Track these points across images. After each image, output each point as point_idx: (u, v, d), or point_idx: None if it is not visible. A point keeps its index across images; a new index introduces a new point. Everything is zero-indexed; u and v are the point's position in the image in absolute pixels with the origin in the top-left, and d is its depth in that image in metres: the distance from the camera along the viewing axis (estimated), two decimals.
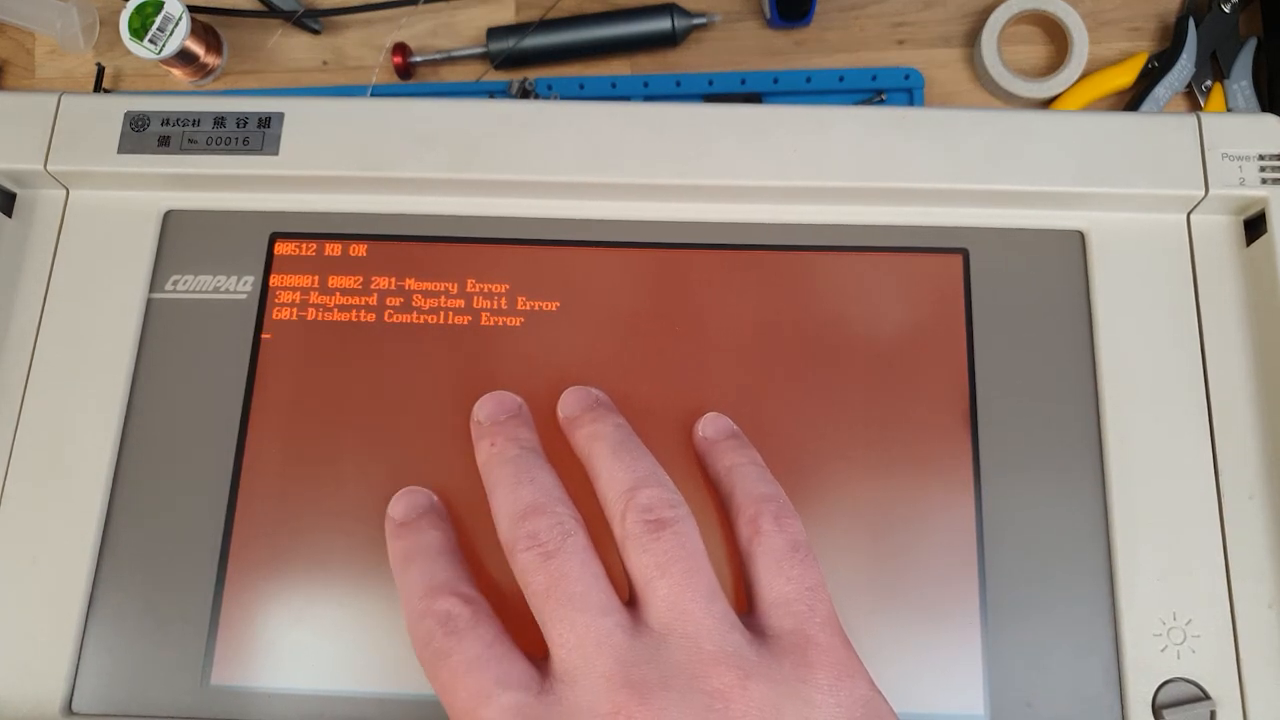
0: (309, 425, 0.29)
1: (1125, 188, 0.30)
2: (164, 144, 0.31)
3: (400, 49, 0.47)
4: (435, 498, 0.28)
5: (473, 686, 0.22)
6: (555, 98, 0.46)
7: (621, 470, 0.25)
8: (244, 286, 0.31)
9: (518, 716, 0.22)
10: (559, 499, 0.24)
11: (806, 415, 0.29)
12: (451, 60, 0.48)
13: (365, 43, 0.49)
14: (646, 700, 0.21)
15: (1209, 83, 0.45)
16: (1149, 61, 0.46)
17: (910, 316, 0.30)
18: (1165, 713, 0.26)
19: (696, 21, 0.47)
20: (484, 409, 0.27)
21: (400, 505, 0.27)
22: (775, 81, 0.46)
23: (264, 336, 0.30)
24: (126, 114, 0.31)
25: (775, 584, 0.24)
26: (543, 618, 0.23)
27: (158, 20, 0.45)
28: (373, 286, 0.31)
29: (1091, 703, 0.27)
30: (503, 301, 0.30)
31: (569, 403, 0.28)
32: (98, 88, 0.48)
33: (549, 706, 0.22)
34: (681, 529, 0.24)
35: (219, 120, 0.31)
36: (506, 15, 0.49)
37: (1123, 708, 0.27)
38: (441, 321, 0.30)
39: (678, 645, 0.22)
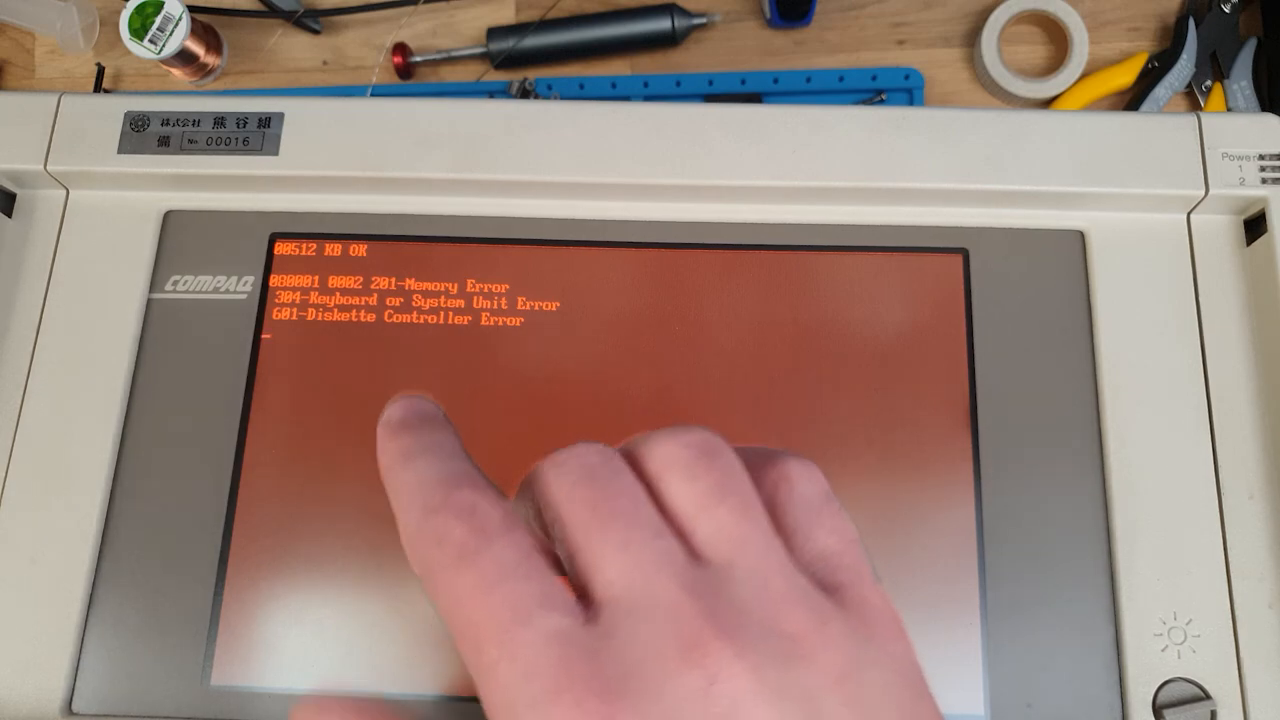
0: (309, 425, 0.29)
1: (1125, 188, 0.30)
2: (164, 144, 0.31)
3: (400, 49, 0.47)
4: (443, 410, 0.22)
5: (507, 599, 0.18)
6: (555, 98, 0.46)
7: (664, 437, 0.21)
8: (244, 287, 0.31)
9: (563, 646, 0.17)
10: (604, 449, 0.20)
11: (807, 415, 0.29)
12: (451, 60, 0.48)
13: (365, 43, 0.49)
14: (727, 634, 0.17)
15: (1209, 83, 0.45)
16: (1149, 61, 0.46)
17: (910, 316, 0.30)
18: (1166, 712, 0.26)
19: (696, 21, 0.47)
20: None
21: (398, 408, 0.21)
22: (775, 81, 0.46)
23: (264, 336, 0.30)
24: (126, 114, 0.31)
25: (816, 535, 0.20)
26: (586, 540, 0.19)
27: (158, 20, 0.45)
28: (373, 287, 0.31)
29: (1092, 703, 0.27)
30: (503, 301, 0.30)
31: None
32: (98, 88, 0.48)
33: (599, 639, 0.17)
34: (733, 461, 0.20)
35: (219, 120, 0.31)
36: (506, 15, 0.49)
37: (1123, 708, 0.27)
38: (441, 322, 0.30)
39: (745, 580, 0.18)
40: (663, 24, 0.46)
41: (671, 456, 0.20)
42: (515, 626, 0.17)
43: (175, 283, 0.31)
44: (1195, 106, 0.46)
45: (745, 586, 0.18)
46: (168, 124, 0.31)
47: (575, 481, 0.19)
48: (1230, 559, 0.28)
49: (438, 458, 0.20)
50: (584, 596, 0.18)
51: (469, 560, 0.18)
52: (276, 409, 0.30)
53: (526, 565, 0.18)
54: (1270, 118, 0.30)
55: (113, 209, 0.31)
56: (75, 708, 0.27)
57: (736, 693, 0.17)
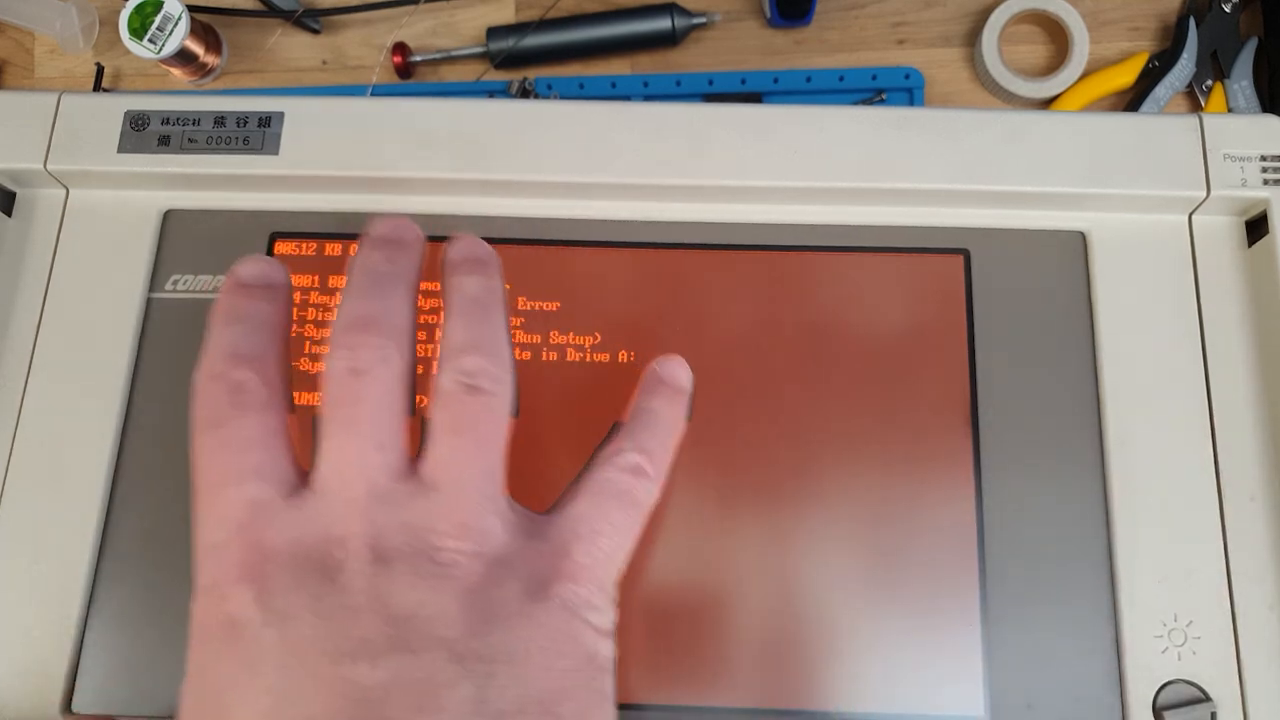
0: (309, 425, 0.29)
1: (1127, 188, 0.30)
2: (164, 143, 0.31)
3: (400, 49, 0.47)
4: (288, 278, 0.25)
5: (228, 465, 0.21)
6: (555, 98, 0.46)
7: (464, 330, 0.23)
8: None
9: (253, 509, 0.20)
10: (400, 329, 0.22)
11: (807, 416, 0.29)
12: (451, 60, 0.48)
13: (365, 42, 0.49)
14: (375, 539, 0.20)
15: (1209, 82, 0.45)
16: (1149, 61, 0.46)
17: (911, 317, 0.30)
18: (1166, 714, 0.26)
19: (696, 21, 0.47)
20: (382, 226, 0.25)
21: (248, 267, 0.24)
22: (775, 81, 0.46)
23: None
24: (126, 113, 0.31)
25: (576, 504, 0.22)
26: (321, 429, 0.21)
27: (157, 20, 0.45)
28: None
29: (1092, 704, 0.27)
30: None
31: (456, 247, 0.25)
32: (97, 87, 0.48)
33: (287, 510, 0.20)
34: (495, 404, 0.22)
35: (219, 120, 0.31)
36: (506, 15, 0.49)
37: (1123, 709, 0.27)
38: (441, 322, 0.30)
39: (437, 500, 0.20)
40: (663, 24, 0.46)
41: (441, 385, 0.22)
42: (224, 485, 0.21)
43: (175, 282, 0.31)
44: (1196, 106, 0.46)
45: (435, 504, 0.21)
46: (168, 123, 0.31)
47: (336, 376, 0.22)
48: (1231, 560, 0.28)
49: (247, 328, 0.23)
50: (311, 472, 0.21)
51: (217, 426, 0.21)
52: None
53: (261, 441, 0.21)
54: (1272, 119, 0.30)
55: (113, 208, 0.31)
56: (75, 707, 0.27)
57: (377, 588, 0.19)
